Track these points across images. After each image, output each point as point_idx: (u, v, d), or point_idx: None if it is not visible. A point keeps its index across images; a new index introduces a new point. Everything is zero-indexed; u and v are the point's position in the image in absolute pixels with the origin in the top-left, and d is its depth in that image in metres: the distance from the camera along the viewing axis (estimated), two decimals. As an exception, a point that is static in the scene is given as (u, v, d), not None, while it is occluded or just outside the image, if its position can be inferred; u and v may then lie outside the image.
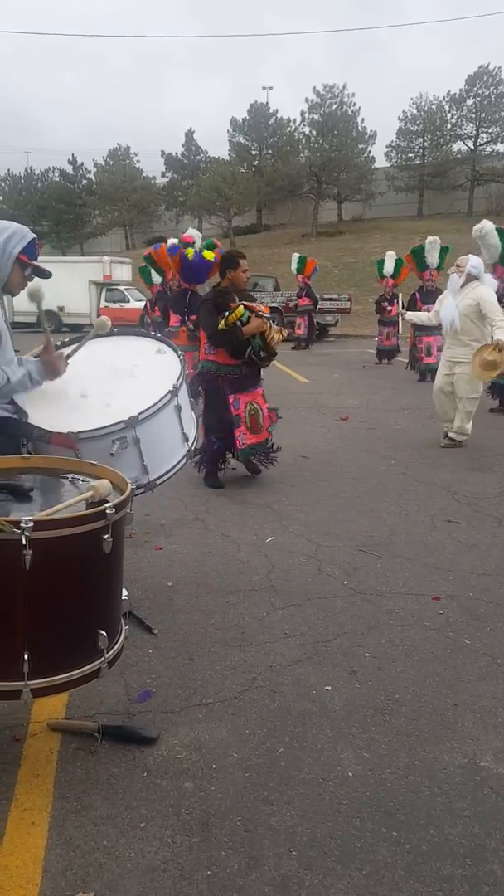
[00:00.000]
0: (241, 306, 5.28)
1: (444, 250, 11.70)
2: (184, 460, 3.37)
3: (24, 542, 1.89)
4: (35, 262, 2.96)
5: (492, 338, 6.67)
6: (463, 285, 7.05)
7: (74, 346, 3.40)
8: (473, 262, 7.12)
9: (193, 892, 1.87)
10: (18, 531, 1.88)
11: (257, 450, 5.83)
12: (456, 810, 2.18)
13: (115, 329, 3.70)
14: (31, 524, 1.90)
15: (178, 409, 3.31)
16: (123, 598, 2.35)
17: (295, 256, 19.50)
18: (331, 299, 23.10)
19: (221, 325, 5.32)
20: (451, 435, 7.33)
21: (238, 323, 5.31)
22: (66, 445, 2.89)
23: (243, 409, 5.67)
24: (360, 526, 4.85)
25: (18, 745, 2.46)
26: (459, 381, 7.10)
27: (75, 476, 2.50)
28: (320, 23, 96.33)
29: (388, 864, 1.97)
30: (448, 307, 7.12)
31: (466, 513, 5.15)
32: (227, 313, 5.31)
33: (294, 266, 19.33)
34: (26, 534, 1.89)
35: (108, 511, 2.07)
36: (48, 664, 2.04)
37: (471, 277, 7.03)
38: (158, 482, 3.24)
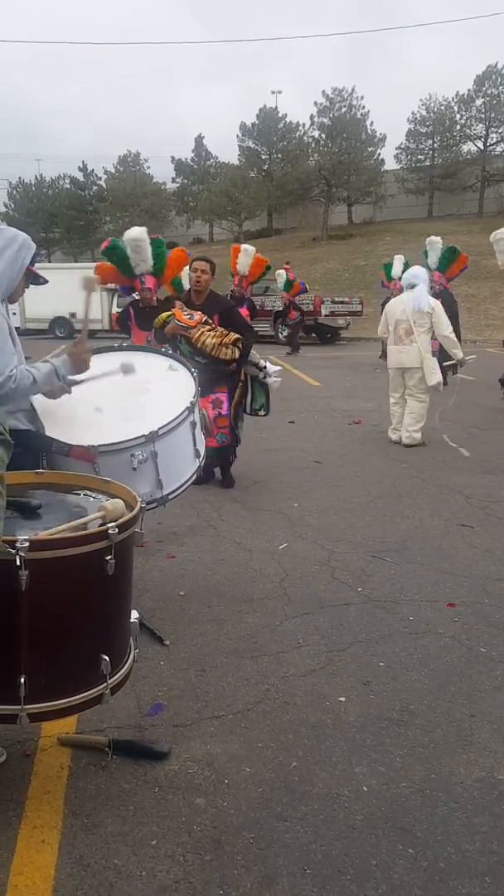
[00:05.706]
0: (171, 312, 5.71)
1: (449, 251, 11.28)
2: (195, 475, 3.37)
3: (19, 563, 1.83)
4: (33, 270, 2.99)
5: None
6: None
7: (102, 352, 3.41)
8: (409, 273, 7.68)
9: (206, 912, 1.83)
10: (14, 551, 1.83)
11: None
12: (474, 826, 2.13)
13: (125, 344, 3.70)
14: (27, 544, 1.84)
15: (193, 425, 3.31)
16: (133, 619, 2.28)
17: (281, 274, 18.74)
18: (342, 302, 22.87)
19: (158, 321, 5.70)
20: (405, 441, 7.52)
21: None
22: (85, 458, 2.85)
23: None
24: (374, 531, 4.80)
25: (28, 761, 2.43)
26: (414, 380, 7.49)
27: (87, 493, 2.42)
28: (328, 26, 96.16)
29: (405, 882, 1.92)
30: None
31: (480, 517, 5.09)
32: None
33: (280, 284, 18.94)
34: (21, 554, 1.83)
35: (110, 531, 1.98)
36: (47, 688, 1.98)
37: (409, 286, 7.50)
38: (171, 497, 3.23)
